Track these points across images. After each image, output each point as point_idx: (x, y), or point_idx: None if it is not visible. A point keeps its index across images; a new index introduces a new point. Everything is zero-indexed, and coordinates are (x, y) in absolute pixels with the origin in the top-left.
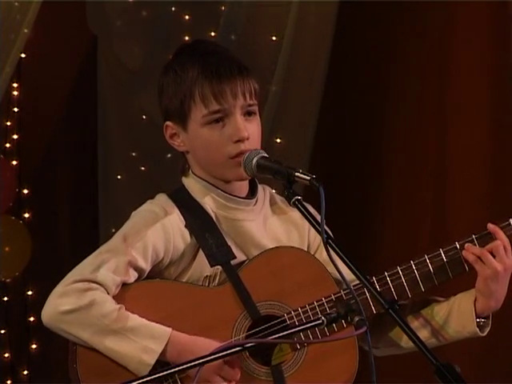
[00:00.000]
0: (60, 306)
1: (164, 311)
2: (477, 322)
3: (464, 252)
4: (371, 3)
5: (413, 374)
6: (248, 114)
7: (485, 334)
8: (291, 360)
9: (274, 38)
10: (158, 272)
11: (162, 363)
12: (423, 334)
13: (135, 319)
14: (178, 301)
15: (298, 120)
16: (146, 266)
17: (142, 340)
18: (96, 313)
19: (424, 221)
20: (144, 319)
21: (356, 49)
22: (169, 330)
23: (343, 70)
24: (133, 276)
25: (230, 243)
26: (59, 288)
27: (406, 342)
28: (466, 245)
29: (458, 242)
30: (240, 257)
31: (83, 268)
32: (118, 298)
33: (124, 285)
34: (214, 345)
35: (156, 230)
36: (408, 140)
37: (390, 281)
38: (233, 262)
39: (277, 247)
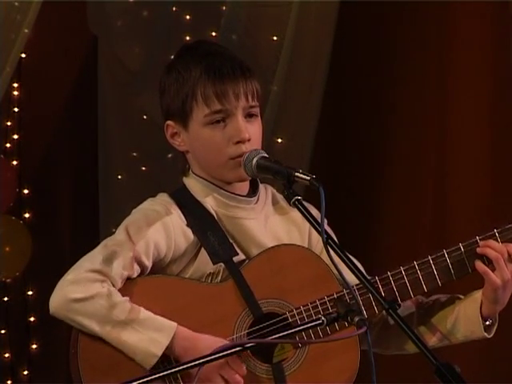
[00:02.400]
0: (70, 293)
1: (166, 307)
2: (484, 324)
3: (477, 264)
4: (372, 3)
5: (413, 373)
6: (249, 115)
7: (492, 334)
8: (292, 358)
9: (274, 38)
10: (159, 269)
11: (164, 358)
12: (432, 340)
13: (142, 312)
14: (181, 297)
15: (299, 120)
16: (149, 263)
17: (149, 332)
18: (105, 303)
19: (424, 221)
20: (150, 312)
21: (357, 49)
22: (174, 324)
23: (344, 70)
24: (136, 271)
25: (232, 240)
26: (70, 276)
27: (413, 347)
28: (477, 262)
29: (461, 244)
30: (241, 255)
31: (93, 259)
32: (121, 293)
33: (127, 280)
34: (217, 342)
35: (157, 228)
36: (409, 140)
37: (393, 281)
38: (235, 259)
39: (279, 245)
